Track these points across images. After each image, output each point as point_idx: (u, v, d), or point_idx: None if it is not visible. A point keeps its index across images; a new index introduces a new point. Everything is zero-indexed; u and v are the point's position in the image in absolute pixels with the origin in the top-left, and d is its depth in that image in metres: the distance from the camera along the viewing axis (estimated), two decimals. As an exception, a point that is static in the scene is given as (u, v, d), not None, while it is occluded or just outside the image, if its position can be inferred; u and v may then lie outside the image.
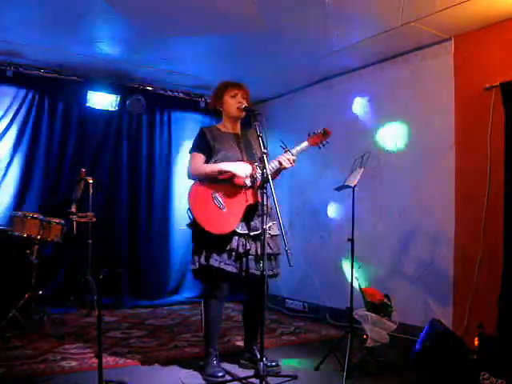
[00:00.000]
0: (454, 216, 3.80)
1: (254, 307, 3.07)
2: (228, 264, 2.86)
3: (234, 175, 2.87)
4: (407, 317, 3.87)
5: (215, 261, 2.84)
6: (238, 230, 2.87)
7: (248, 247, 2.88)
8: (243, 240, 2.89)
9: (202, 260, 2.86)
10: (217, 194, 2.89)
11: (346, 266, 4.78)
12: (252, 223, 2.93)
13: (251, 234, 2.90)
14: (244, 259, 2.89)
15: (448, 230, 3.83)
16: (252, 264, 2.89)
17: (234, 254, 2.87)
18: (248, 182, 2.89)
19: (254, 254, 2.89)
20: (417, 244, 4.09)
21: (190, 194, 2.92)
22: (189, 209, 2.89)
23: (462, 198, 3.77)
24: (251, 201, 2.90)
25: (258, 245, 2.89)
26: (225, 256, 2.85)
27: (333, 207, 4.97)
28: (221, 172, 2.88)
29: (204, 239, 2.88)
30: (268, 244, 2.88)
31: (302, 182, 5.33)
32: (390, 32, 3.81)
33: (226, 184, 2.90)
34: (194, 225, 2.92)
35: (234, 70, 4.66)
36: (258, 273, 2.84)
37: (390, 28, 3.76)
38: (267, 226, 2.84)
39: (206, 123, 5.47)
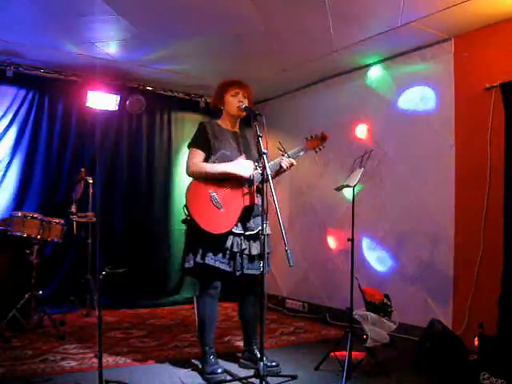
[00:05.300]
0: (454, 216, 3.79)
1: (249, 306, 3.10)
2: (222, 262, 2.88)
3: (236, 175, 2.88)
4: (407, 317, 3.87)
5: (211, 259, 2.86)
6: (234, 230, 2.89)
7: (244, 247, 2.91)
8: (238, 239, 2.91)
9: (198, 258, 2.87)
10: (215, 194, 2.89)
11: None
12: (248, 223, 2.95)
13: (246, 233, 2.93)
14: (239, 258, 2.92)
15: (448, 229, 3.83)
16: (246, 263, 2.93)
17: (228, 252, 2.89)
18: (250, 176, 2.91)
19: (247, 253, 2.93)
20: (417, 244, 4.09)
21: (188, 191, 2.92)
22: (186, 206, 2.89)
23: (462, 198, 3.76)
24: (248, 202, 2.93)
25: (252, 244, 2.94)
26: (220, 255, 2.88)
27: (333, 207, 4.96)
28: (222, 174, 2.89)
29: (200, 238, 2.88)
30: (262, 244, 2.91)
31: (302, 182, 5.33)
32: (390, 32, 3.81)
33: (225, 184, 2.91)
34: (189, 223, 2.93)
35: (234, 70, 4.66)
36: (253, 272, 2.92)
37: (390, 28, 3.76)
38: (263, 226, 2.86)
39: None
